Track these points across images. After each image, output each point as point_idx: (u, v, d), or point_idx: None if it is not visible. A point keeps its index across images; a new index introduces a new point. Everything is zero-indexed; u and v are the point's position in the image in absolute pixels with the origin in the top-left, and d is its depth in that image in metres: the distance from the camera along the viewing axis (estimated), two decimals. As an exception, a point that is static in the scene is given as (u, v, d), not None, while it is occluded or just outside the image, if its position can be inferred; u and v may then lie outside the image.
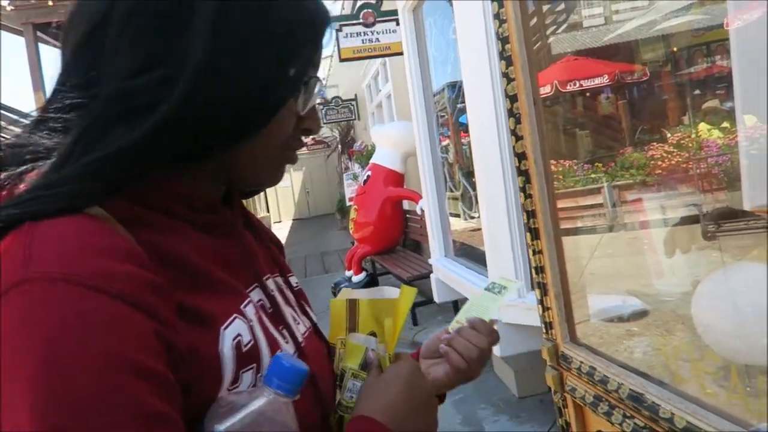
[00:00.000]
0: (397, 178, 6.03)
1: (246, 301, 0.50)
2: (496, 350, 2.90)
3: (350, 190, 8.04)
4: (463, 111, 4.00)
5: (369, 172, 6.12)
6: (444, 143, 4.37)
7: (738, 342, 0.88)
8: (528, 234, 1.12)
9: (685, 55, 5.74)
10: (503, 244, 2.61)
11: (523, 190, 1.11)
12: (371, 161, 6.24)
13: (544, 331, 1.15)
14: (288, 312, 0.57)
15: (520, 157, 1.09)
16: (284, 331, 0.54)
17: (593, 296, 1.30)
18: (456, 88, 4.05)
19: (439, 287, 3.93)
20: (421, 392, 0.55)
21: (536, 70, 1.05)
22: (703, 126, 4.97)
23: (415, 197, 5.47)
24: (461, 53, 2.77)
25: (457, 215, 3.96)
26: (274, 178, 0.55)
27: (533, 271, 1.13)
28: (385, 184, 5.90)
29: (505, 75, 1.08)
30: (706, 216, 0.96)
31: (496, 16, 1.08)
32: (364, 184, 6.15)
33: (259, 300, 0.53)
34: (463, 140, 4.12)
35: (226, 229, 0.53)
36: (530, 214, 1.11)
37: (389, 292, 0.63)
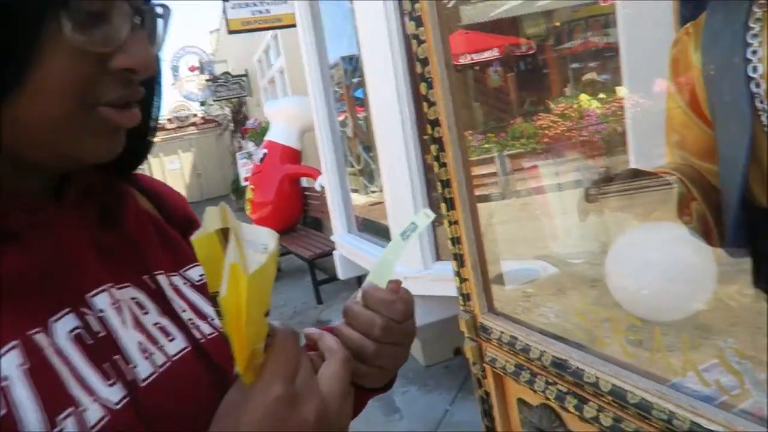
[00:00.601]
0: (294, 155, 5.87)
1: (6, 348, 0.34)
2: (405, 323, 2.91)
3: (245, 169, 7.72)
4: (359, 85, 3.93)
5: (265, 150, 5.90)
6: (341, 118, 4.28)
7: (651, 301, 0.90)
8: (444, 204, 1.08)
9: (566, 30, 6.07)
10: (407, 216, 2.60)
11: (436, 158, 1.06)
12: (266, 138, 6.01)
13: (462, 302, 1.12)
14: (133, 336, 0.41)
15: (433, 124, 1.04)
16: (111, 369, 0.38)
17: (502, 262, 1.29)
18: (352, 62, 3.96)
19: (344, 264, 3.88)
20: (291, 425, 0.37)
21: (447, 31, 0.99)
22: (583, 97, 5.30)
23: (314, 174, 5.36)
24: (359, 20, 2.68)
25: (358, 190, 3.91)
26: (95, 148, 0.39)
27: (450, 242, 1.09)
28: (281, 162, 5.72)
29: (415, 37, 1.01)
30: (618, 176, 0.97)
31: (402, -28, 1.00)
32: (260, 162, 5.92)
33: (74, 329, 0.38)
34: (359, 115, 4.06)
35: (22, 237, 0.38)
36: (444, 184, 1.07)
37: (251, 234, 0.40)
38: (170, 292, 0.47)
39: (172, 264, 0.50)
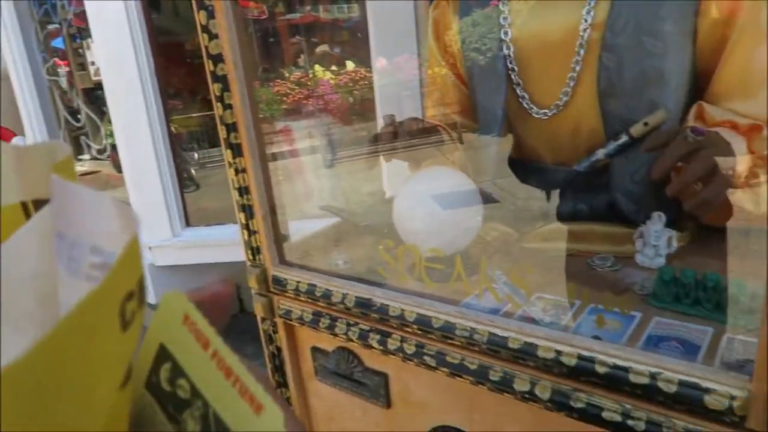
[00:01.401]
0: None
1: None
2: (151, 298, 2.64)
3: None
4: (55, 34, 3.33)
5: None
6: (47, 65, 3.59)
7: (430, 237, 0.98)
8: (229, 151, 0.99)
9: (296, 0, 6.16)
10: (149, 174, 2.33)
11: (220, 99, 0.96)
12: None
13: (251, 257, 1.05)
14: None
15: (216, 59, 0.93)
16: None
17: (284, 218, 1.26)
18: (48, 3, 3.33)
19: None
20: None
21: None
22: (318, 67, 5.51)
23: (5, 135, 4.40)
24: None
25: (80, 153, 3.34)
26: None
27: (236, 192, 1.01)
28: (-43, 119, 4.53)
29: (192, -45, 0.88)
30: (401, 125, 1.02)
31: None
32: None
33: None
34: (60, 69, 3.46)
35: None
36: (230, 128, 0.97)
37: (85, 219, 0.17)
38: None
39: None
